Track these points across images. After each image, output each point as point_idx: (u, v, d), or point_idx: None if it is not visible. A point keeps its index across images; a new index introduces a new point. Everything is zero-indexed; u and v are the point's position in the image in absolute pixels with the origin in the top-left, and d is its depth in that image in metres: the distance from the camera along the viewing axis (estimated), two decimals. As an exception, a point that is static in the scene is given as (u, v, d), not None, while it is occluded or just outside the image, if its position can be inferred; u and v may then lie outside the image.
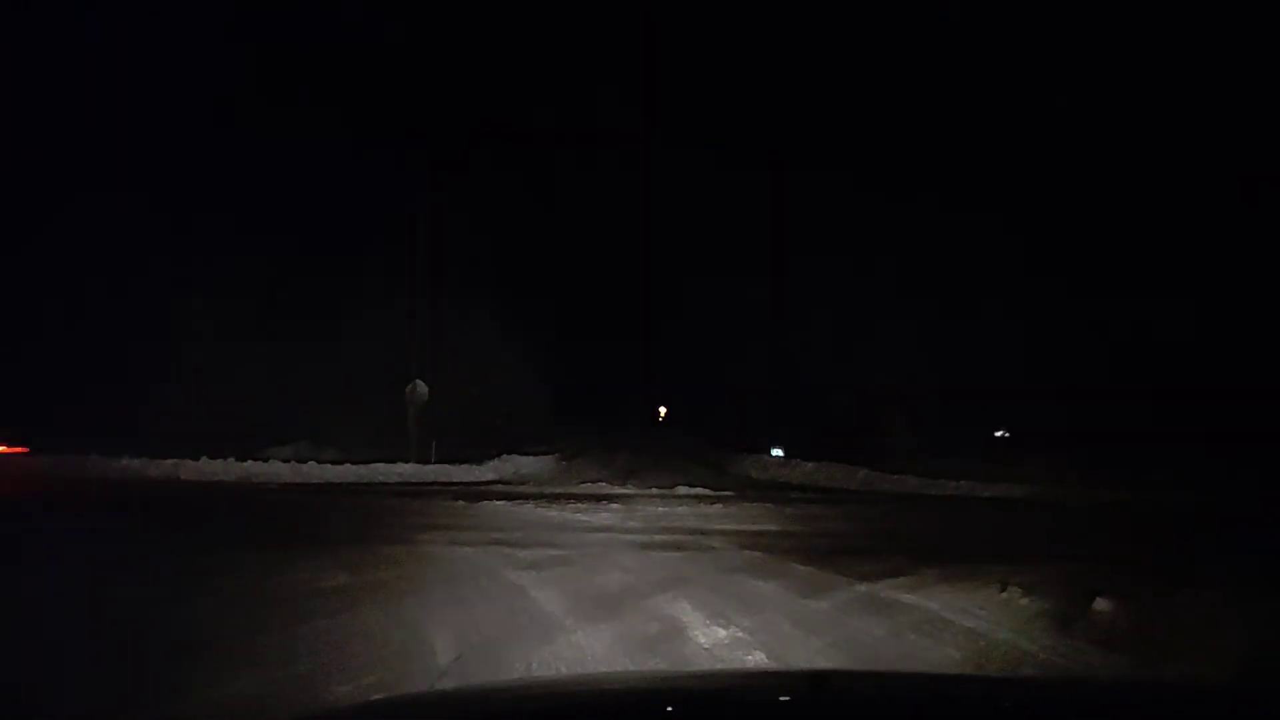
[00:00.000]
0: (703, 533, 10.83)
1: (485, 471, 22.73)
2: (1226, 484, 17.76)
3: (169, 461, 19.06)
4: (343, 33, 28.15)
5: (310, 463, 20.85)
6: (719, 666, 4.80)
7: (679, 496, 16.71)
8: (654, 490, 17.59)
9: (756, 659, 5.03)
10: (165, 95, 25.16)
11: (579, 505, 14.03)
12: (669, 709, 1.77)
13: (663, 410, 63.89)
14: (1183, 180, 24.04)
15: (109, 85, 24.46)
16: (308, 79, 26.23)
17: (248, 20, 26.71)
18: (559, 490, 17.15)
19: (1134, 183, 24.91)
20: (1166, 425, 22.01)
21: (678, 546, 9.36)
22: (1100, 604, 6.35)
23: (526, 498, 15.28)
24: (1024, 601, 6.76)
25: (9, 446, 18.81)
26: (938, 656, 5.16)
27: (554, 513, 12.91)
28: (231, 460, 20.13)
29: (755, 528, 11.78)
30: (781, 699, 1.85)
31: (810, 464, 25.74)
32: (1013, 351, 26.03)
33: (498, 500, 14.60)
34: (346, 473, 19.87)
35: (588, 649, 5.08)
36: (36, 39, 23.83)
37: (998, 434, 22.80)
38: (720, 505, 15.12)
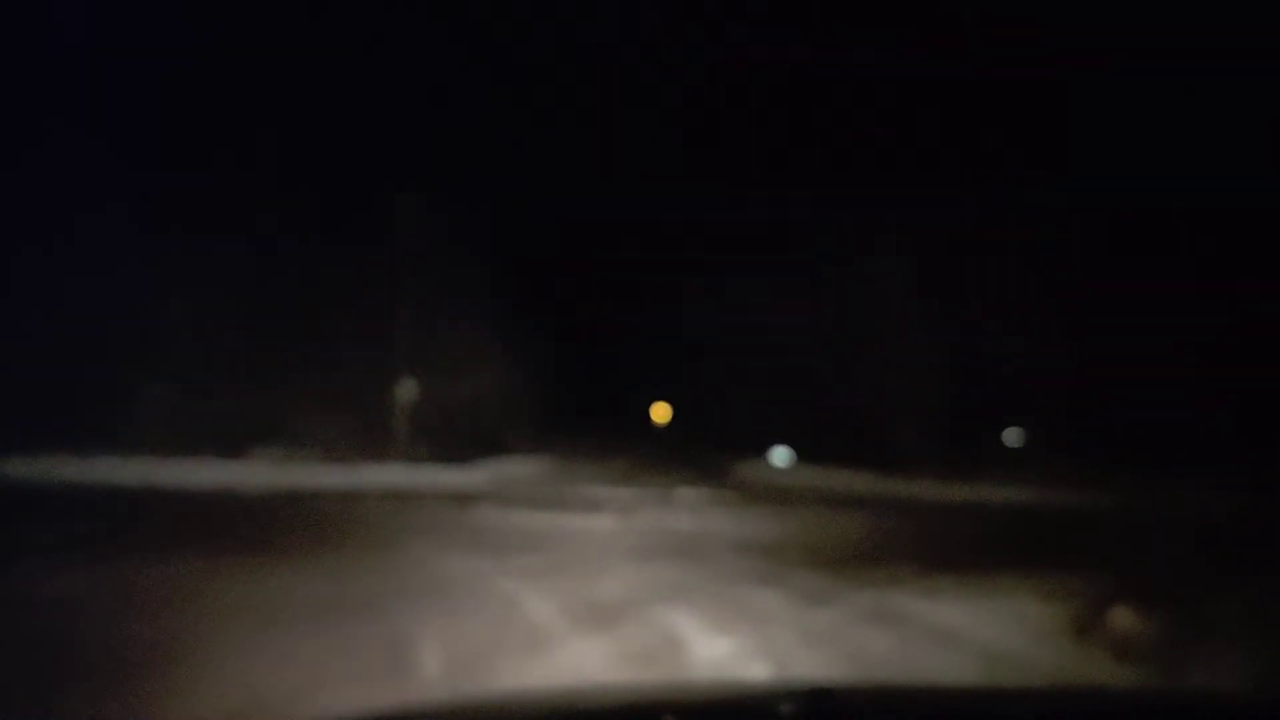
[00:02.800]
0: (702, 537, 10.84)
1: (476, 473, 22.72)
2: (1257, 487, 17.63)
3: (147, 462, 19.04)
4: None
5: (294, 464, 20.86)
6: (719, 679, 4.81)
7: (678, 500, 16.73)
8: (653, 494, 17.61)
9: (759, 672, 5.03)
10: (144, 76, 25.15)
11: (574, 509, 14.03)
12: None
13: (662, 411, 63.78)
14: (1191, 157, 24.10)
15: (83, 86, 24.45)
16: (289, 62, 26.16)
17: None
18: (553, 493, 17.15)
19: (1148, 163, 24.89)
20: (1194, 423, 21.94)
21: (676, 552, 9.36)
22: (1116, 613, 6.36)
23: (519, 501, 15.27)
24: (1036, 610, 6.77)
25: None
26: (948, 668, 5.17)
27: (548, 517, 12.91)
28: (212, 461, 20.14)
29: (758, 533, 11.79)
30: (783, 711, 1.85)
31: (814, 467, 25.79)
32: (1026, 350, 26.04)
33: (488, 503, 14.60)
34: (331, 474, 19.87)
35: (583, 661, 5.08)
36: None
37: (1011, 436, 22.83)
38: (722, 510, 15.13)
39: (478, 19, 30.61)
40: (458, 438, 28.71)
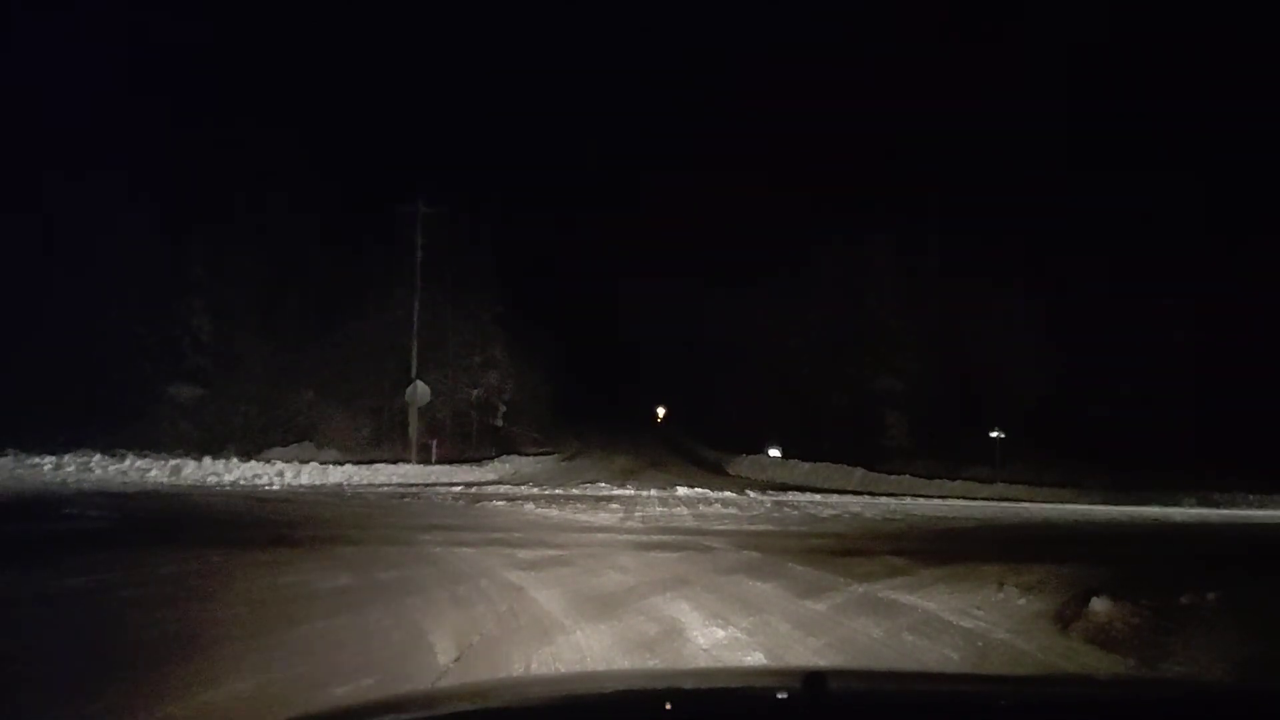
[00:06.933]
0: (701, 533, 10.82)
1: (485, 472, 22.73)
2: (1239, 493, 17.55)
3: (171, 462, 19.03)
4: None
5: (311, 463, 20.84)
6: (715, 665, 4.77)
7: (677, 497, 16.71)
8: (653, 491, 17.58)
9: (755, 659, 5.00)
10: (159, 90, 25.23)
11: (578, 506, 14.01)
12: (667, 706, 1.75)
13: (662, 411, 63.95)
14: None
15: (102, 81, 24.48)
16: (311, 80, 26.30)
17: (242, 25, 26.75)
18: (558, 491, 17.13)
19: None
20: (1175, 429, 21.90)
21: (676, 547, 9.33)
22: (1097, 604, 6.33)
23: (526, 498, 15.26)
24: (1021, 602, 6.75)
25: None
26: (935, 657, 5.13)
27: (553, 513, 12.88)
28: (233, 460, 20.13)
29: (753, 528, 11.77)
30: (779, 697, 1.83)
31: (808, 464, 25.75)
32: (1011, 353, 26.00)
33: (498, 501, 14.59)
34: (347, 473, 19.86)
35: (587, 649, 5.05)
36: (15, 35, 23.82)
37: (994, 434, 22.79)
38: (718, 506, 15.11)
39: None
40: (469, 437, 28.66)
